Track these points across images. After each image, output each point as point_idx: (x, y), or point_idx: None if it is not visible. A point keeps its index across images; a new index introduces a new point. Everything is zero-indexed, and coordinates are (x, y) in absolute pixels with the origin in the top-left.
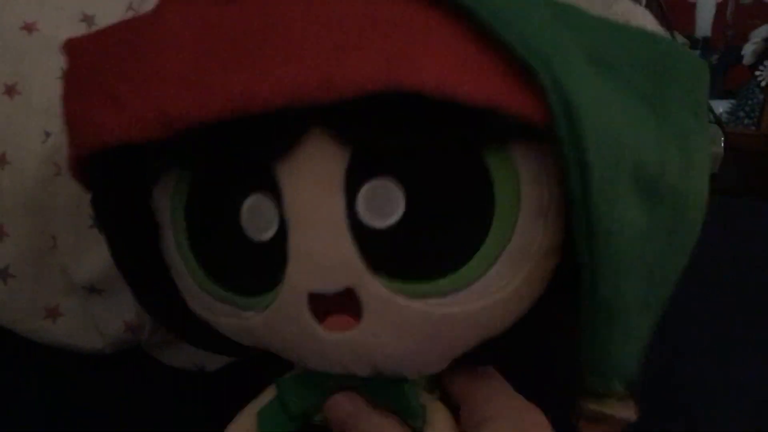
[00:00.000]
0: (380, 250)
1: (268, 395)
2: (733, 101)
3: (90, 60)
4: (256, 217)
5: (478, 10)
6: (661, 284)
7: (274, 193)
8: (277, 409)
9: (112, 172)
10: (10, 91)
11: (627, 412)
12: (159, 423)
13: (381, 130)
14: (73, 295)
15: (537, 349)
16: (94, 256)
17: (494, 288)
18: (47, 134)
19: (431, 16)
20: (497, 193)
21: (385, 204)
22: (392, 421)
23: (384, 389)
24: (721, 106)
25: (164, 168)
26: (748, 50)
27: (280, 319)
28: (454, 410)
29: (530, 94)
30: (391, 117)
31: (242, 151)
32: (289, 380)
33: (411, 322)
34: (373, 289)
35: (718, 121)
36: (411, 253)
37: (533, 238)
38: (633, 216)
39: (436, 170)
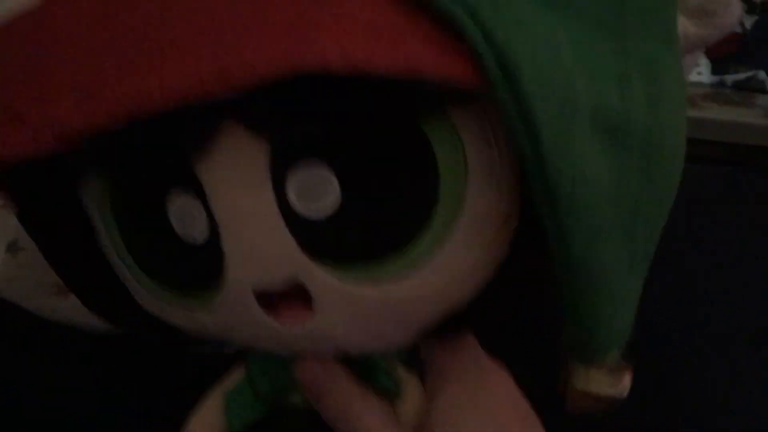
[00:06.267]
0: (320, 239)
1: (237, 374)
2: None
3: None
4: (185, 218)
5: None
6: (646, 239)
7: (197, 190)
8: (246, 391)
9: (32, 181)
10: None
11: (617, 388)
12: (175, 405)
13: (297, 116)
14: None
15: (510, 312)
16: None
17: (451, 262)
18: None
19: None
20: (440, 161)
21: (317, 191)
22: (364, 396)
23: (356, 364)
24: None
25: (82, 167)
26: None
27: (230, 317)
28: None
29: (458, 54)
30: (306, 99)
31: (154, 150)
32: (259, 360)
33: (367, 310)
34: (320, 279)
35: None
36: (353, 238)
37: (487, 205)
38: (597, 168)
39: (368, 147)
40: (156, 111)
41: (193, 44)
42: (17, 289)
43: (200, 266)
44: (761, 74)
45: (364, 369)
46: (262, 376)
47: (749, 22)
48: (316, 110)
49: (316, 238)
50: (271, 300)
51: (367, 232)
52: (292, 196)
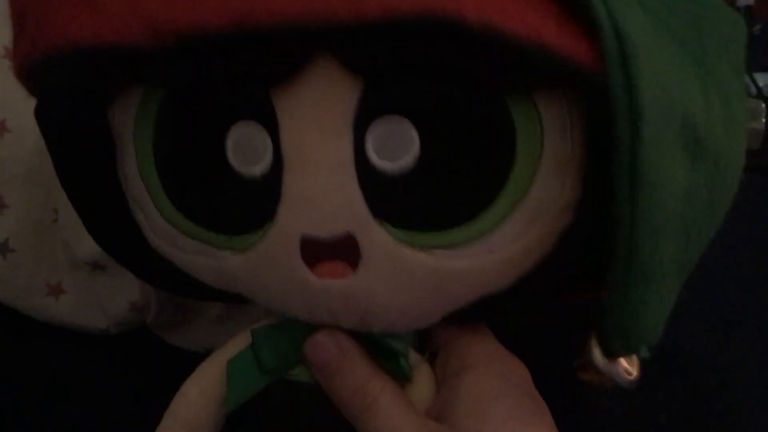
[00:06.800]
0: (388, 196)
1: (240, 343)
2: None
3: None
4: (245, 148)
5: None
6: (696, 245)
7: (269, 122)
8: (249, 361)
9: (67, 78)
10: (10, 54)
11: (631, 375)
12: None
13: (401, 61)
14: (76, 272)
15: (535, 309)
16: None
17: (506, 242)
18: None
19: None
20: (519, 142)
21: (398, 145)
22: (379, 375)
23: (371, 345)
24: (763, 79)
25: (128, 80)
26: None
27: (265, 263)
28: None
29: (579, 33)
30: (414, 46)
31: (235, 72)
32: (265, 330)
33: (413, 275)
34: (377, 237)
35: (760, 94)
36: (422, 201)
37: (551, 193)
38: (678, 172)
39: (456, 112)
40: (269, 25)
41: None
42: (8, 289)
43: (250, 203)
44: (744, 78)
45: (380, 351)
46: (268, 348)
47: None
48: (415, 63)
49: (383, 194)
50: (314, 255)
51: (437, 197)
52: (369, 146)
